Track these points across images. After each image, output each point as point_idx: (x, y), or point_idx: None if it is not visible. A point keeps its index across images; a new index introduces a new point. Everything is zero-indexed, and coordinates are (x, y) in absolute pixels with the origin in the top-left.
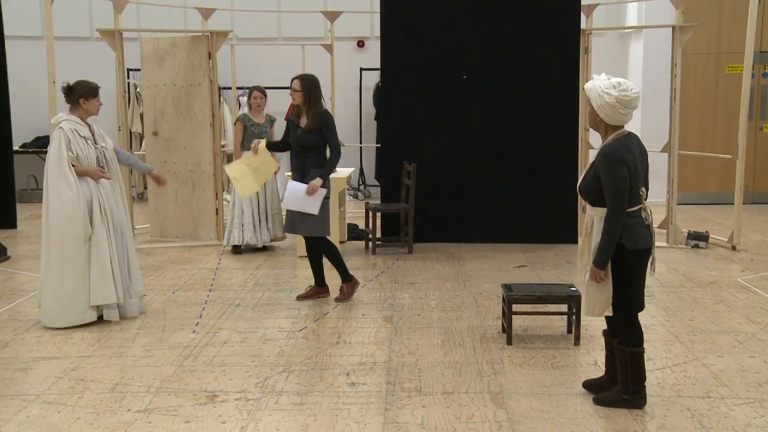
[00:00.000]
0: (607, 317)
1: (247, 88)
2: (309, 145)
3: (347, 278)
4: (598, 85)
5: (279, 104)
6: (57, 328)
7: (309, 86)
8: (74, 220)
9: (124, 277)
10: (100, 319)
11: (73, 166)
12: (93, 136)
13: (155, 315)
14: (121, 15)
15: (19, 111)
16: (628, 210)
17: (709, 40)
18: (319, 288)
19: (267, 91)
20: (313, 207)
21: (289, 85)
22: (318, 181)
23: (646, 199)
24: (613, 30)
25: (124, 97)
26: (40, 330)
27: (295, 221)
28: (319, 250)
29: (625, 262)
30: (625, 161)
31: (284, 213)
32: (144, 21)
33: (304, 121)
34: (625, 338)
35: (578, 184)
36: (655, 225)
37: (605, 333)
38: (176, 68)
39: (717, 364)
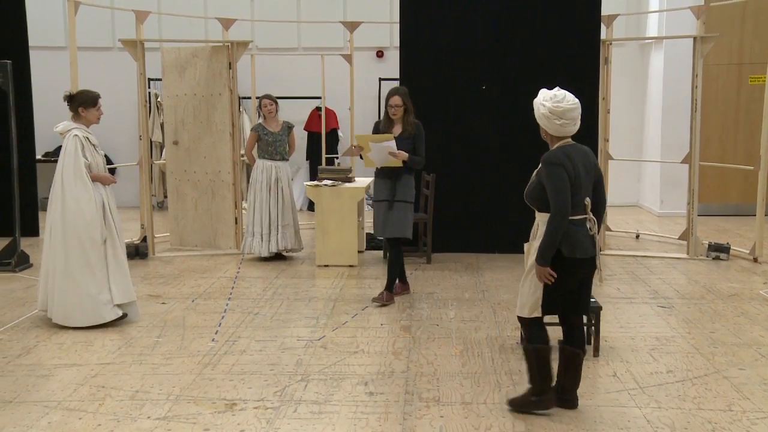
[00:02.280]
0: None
1: None
2: (403, 150)
3: (391, 288)
4: (539, 97)
5: (298, 113)
6: (78, 328)
7: (408, 99)
8: (93, 224)
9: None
10: (118, 320)
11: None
12: None
13: (175, 323)
14: (143, 25)
15: (42, 120)
16: (572, 218)
17: (731, 51)
18: (404, 285)
19: (286, 100)
20: (380, 161)
21: (305, 96)
22: (404, 154)
23: (601, 212)
24: (633, 40)
25: (145, 106)
26: (62, 337)
27: (387, 224)
28: (394, 249)
29: (558, 267)
30: (563, 165)
31: (293, 224)
32: (165, 31)
33: (398, 129)
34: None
35: (525, 191)
36: (675, 236)
37: (560, 342)
38: (197, 78)
39: (739, 377)
